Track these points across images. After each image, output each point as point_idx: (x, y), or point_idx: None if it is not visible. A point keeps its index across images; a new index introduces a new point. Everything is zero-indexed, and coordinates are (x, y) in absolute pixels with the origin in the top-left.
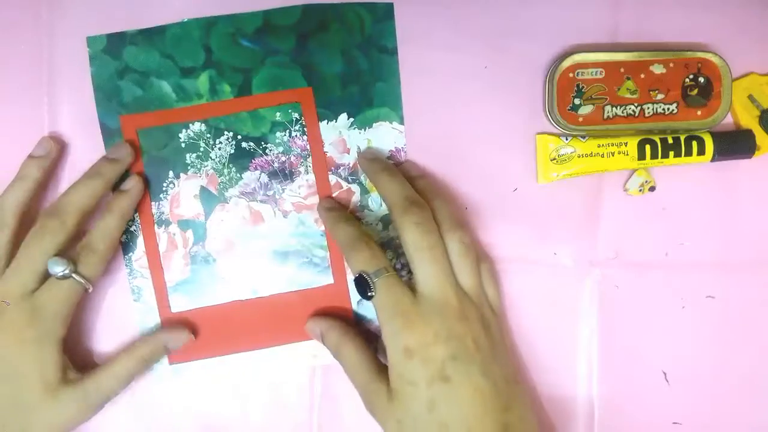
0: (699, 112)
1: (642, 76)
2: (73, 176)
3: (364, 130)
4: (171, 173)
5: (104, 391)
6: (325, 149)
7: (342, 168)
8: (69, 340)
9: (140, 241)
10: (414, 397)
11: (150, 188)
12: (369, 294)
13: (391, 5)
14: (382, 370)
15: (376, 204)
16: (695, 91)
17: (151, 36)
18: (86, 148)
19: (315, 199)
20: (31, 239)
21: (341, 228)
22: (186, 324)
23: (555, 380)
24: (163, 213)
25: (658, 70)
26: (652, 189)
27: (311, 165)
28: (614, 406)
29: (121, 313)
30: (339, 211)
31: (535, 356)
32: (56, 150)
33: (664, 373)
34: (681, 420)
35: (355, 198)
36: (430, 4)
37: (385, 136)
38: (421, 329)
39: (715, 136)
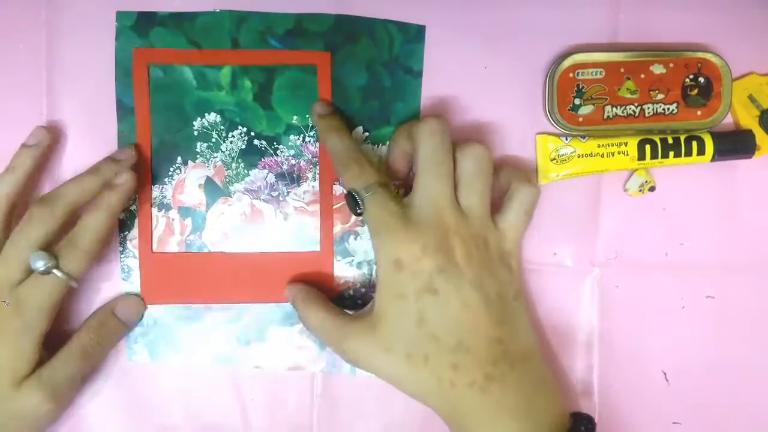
0: (699, 112)
1: (642, 76)
2: (73, 166)
3: (377, 146)
4: (179, 159)
5: (62, 373)
6: None
7: None
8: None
9: (138, 221)
10: (403, 312)
11: (155, 170)
12: (358, 211)
13: (423, 27)
14: (354, 317)
15: None
16: (695, 91)
17: (180, 21)
18: (93, 140)
19: (318, 207)
20: (18, 229)
21: (332, 139)
22: (165, 264)
23: (555, 380)
24: (165, 197)
25: (658, 70)
26: (652, 189)
27: (319, 173)
28: (614, 405)
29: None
30: (331, 120)
31: None
32: (48, 139)
33: (664, 373)
34: (681, 420)
35: None
36: (462, 31)
37: None
38: (409, 242)
39: (715, 136)
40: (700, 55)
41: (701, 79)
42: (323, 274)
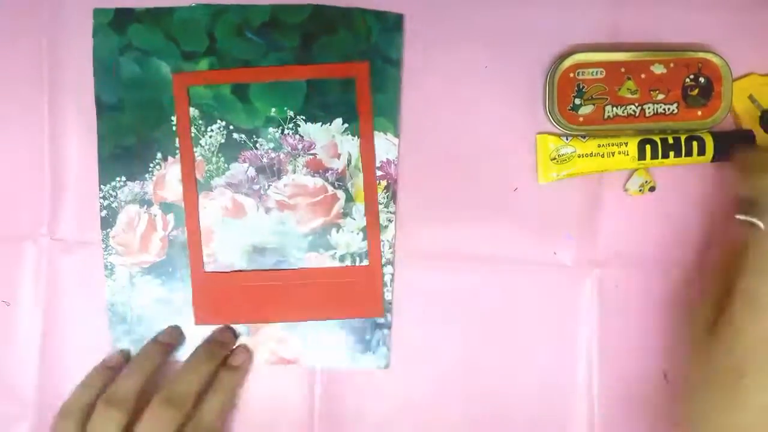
0: (699, 113)
1: (642, 76)
2: (76, 163)
3: (357, 137)
4: (159, 155)
5: None
6: (315, 151)
7: (330, 172)
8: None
9: (120, 218)
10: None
11: (135, 166)
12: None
13: (400, 16)
14: None
15: (359, 214)
16: (696, 92)
17: (158, 16)
18: (92, 140)
19: (299, 200)
20: (145, 427)
21: None
22: (215, 284)
23: (555, 380)
24: (146, 193)
25: (658, 70)
26: (652, 189)
27: (300, 165)
28: (614, 405)
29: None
30: None
31: (535, 356)
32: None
33: (665, 374)
34: (681, 419)
35: (339, 204)
36: (439, 18)
37: (377, 147)
38: None
39: (715, 136)
40: (701, 55)
41: (702, 80)
42: (372, 290)
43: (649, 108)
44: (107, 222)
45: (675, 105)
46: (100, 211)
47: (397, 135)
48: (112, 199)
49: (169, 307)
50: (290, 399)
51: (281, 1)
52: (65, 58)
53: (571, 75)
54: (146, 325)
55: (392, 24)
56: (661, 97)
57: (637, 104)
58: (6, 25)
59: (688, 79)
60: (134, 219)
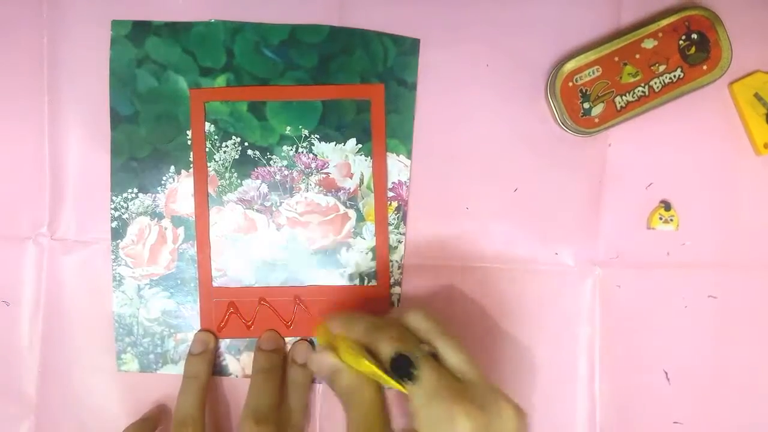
0: (705, 67)
1: (637, 56)
2: (77, 163)
3: (370, 158)
4: (173, 168)
5: None
6: (328, 170)
7: (342, 192)
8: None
9: (130, 230)
10: None
11: (148, 179)
12: (412, 372)
13: (417, 41)
14: None
15: (369, 234)
16: (693, 49)
17: (176, 30)
18: (92, 141)
19: (311, 218)
20: None
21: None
22: (223, 299)
23: (557, 380)
24: (157, 206)
25: (650, 44)
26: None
27: (312, 183)
28: (616, 405)
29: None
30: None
31: (537, 356)
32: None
33: (666, 373)
34: (682, 419)
35: (350, 224)
36: (455, 43)
37: (389, 168)
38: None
39: None
40: (684, 13)
41: (694, 36)
42: (379, 310)
43: (655, 83)
44: (117, 233)
45: (679, 70)
46: (111, 222)
47: (409, 156)
48: (123, 210)
49: (176, 320)
50: None
51: (300, 20)
52: (66, 58)
53: (570, 84)
54: (152, 338)
55: (408, 48)
56: (662, 68)
57: (643, 84)
58: (6, 25)
59: (681, 41)
60: (144, 231)
